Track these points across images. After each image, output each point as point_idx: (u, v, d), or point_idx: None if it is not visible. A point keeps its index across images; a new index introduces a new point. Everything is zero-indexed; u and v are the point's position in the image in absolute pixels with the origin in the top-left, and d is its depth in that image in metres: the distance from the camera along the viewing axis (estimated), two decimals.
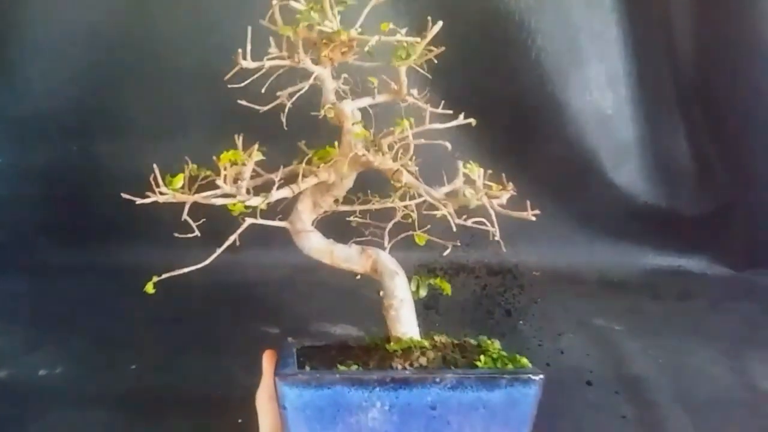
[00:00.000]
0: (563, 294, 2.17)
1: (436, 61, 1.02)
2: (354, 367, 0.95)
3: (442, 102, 1.06)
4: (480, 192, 0.91)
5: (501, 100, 2.29)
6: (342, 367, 0.95)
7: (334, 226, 1.14)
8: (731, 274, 2.39)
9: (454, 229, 0.96)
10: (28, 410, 1.43)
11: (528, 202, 0.88)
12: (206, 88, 2.21)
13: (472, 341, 1.05)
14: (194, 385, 1.53)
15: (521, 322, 1.91)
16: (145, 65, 2.29)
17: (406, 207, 1.10)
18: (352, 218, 1.17)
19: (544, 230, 2.39)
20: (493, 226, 0.92)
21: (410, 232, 1.11)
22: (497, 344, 1.03)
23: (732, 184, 2.42)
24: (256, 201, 0.96)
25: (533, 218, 0.87)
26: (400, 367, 0.95)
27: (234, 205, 0.96)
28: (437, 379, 0.91)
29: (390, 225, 1.11)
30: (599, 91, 2.37)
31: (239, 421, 1.35)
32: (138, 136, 2.33)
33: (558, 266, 2.36)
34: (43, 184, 2.37)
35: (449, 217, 0.95)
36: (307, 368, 0.96)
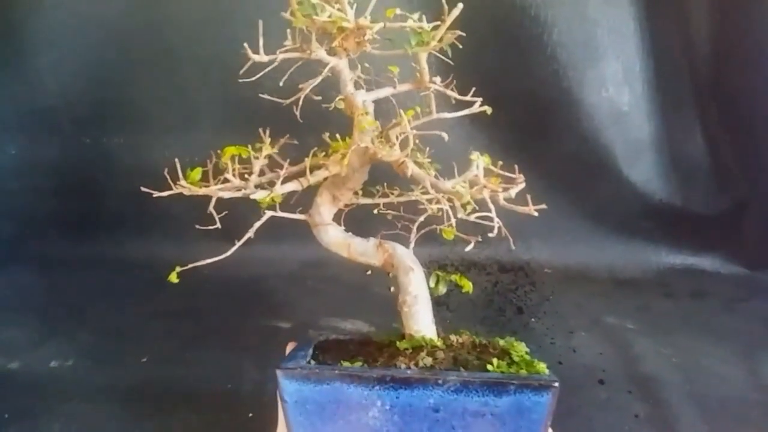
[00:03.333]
0: (575, 292, 2.16)
1: (461, 46, 1.00)
2: (358, 364, 0.94)
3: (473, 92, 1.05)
4: (477, 185, 0.88)
5: (516, 95, 2.27)
6: (346, 363, 0.94)
7: (367, 220, 1.15)
8: (745, 273, 2.36)
9: (453, 223, 0.95)
10: (40, 401, 1.43)
11: (528, 196, 0.86)
12: (218, 81, 2.23)
13: (501, 342, 1.02)
14: (205, 378, 1.53)
15: (533, 319, 1.90)
16: (158, 58, 2.29)
17: (429, 201, 1.09)
18: (377, 211, 1.17)
19: (556, 227, 2.37)
20: (496, 222, 0.89)
21: (433, 226, 1.10)
22: (523, 347, 1.00)
23: (747, 182, 2.40)
24: (262, 194, 0.96)
25: (536, 213, 0.85)
26: (403, 366, 0.94)
27: (263, 198, 0.97)
28: (439, 381, 0.88)
29: (421, 219, 1.10)
30: (615, 87, 2.35)
31: (249, 415, 1.35)
32: (150, 129, 2.34)
33: (570, 264, 2.34)
34: (54, 177, 2.38)
35: (450, 212, 0.94)
36: (312, 362, 0.96)
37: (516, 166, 0.92)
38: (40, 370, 1.58)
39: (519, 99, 2.27)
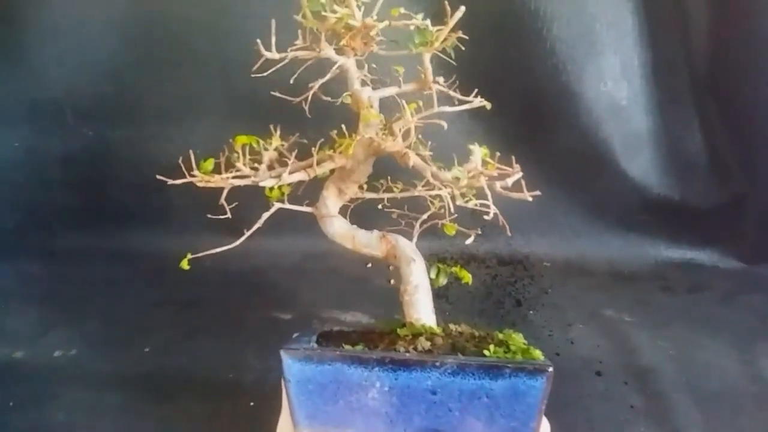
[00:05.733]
0: (574, 285, 2.17)
1: (463, 48, 1.03)
2: (359, 348, 0.97)
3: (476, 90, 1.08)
4: (472, 172, 0.91)
5: (515, 90, 2.27)
6: (347, 347, 0.97)
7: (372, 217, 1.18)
8: (742, 267, 2.37)
9: (452, 210, 0.98)
10: (43, 390, 1.45)
11: (522, 182, 0.88)
12: (221, 73, 2.23)
13: (500, 335, 1.04)
14: (207, 368, 1.55)
15: (531, 312, 1.91)
16: (162, 51, 2.28)
17: (432, 197, 1.13)
18: (381, 206, 1.21)
19: (555, 221, 2.38)
20: (492, 209, 0.92)
21: (435, 221, 1.14)
22: (521, 338, 1.02)
23: (745, 176, 2.40)
24: (270, 182, 1.01)
25: (530, 198, 0.87)
26: (402, 349, 0.96)
27: (271, 191, 1.00)
28: (437, 363, 0.91)
29: (424, 216, 1.15)
30: (614, 81, 2.34)
31: (251, 404, 1.37)
32: (153, 122, 2.34)
33: (569, 257, 2.35)
34: (58, 169, 2.39)
35: (448, 200, 0.98)
36: (314, 345, 0.99)
37: (513, 158, 0.94)
38: (44, 359, 1.60)
39: (518, 93, 2.27)
